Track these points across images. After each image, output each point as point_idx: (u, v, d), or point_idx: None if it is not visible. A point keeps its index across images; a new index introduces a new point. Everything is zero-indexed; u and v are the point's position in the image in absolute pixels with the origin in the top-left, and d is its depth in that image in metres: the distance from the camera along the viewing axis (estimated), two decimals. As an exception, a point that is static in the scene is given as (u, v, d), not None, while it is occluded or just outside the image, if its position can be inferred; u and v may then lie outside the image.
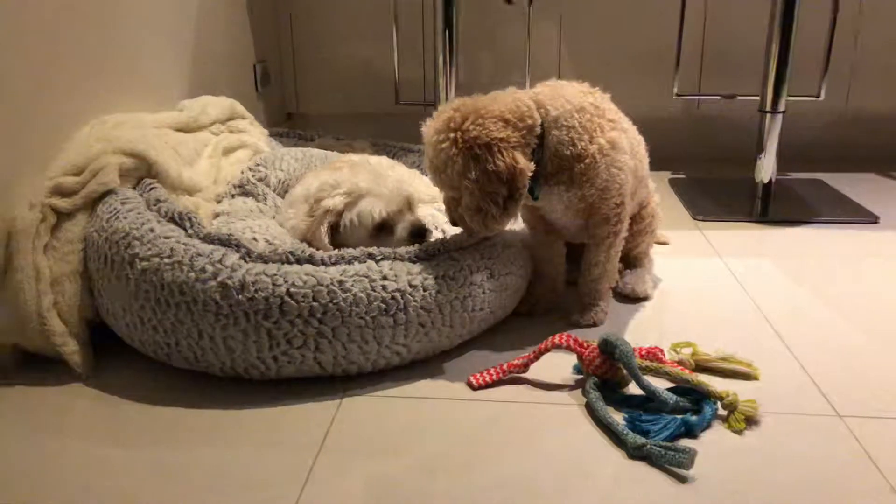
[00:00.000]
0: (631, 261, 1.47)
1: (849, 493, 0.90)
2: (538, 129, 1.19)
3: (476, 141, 1.13)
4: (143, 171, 1.32)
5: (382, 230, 1.31)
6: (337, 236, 1.33)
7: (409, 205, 1.34)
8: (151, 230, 1.15)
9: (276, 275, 1.09)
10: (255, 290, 1.08)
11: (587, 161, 1.21)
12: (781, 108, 1.93)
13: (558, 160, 1.21)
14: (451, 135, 1.14)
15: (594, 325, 1.32)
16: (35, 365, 1.20)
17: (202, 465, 0.97)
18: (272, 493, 0.92)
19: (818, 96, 2.18)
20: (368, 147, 1.99)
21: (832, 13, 2.05)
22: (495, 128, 1.14)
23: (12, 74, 1.19)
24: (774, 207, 1.96)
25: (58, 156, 1.27)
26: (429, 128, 1.19)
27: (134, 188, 1.30)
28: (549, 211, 1.29)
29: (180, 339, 1.11)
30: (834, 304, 1.40)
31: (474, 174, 1.13)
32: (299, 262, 1.13)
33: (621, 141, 1.24)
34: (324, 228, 1.31)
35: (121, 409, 1.10)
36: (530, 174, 1.16)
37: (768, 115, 1.94)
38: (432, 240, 1.27)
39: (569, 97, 1.22)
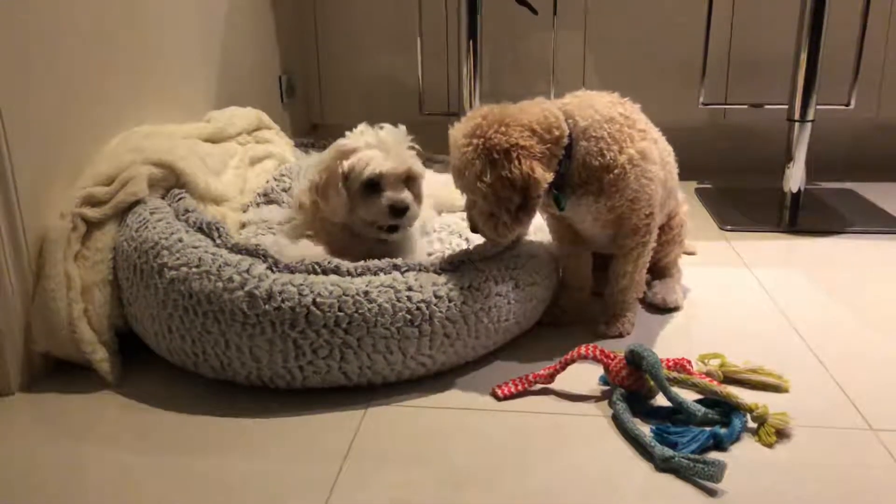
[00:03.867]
0: (659, 271, 1.46)
1: (883, 509, 0.89)
2: (566, 141, 1.18)
3: (496, 147, 1.14)
4: (171, 182, 1.34)
5: (371, 192, 1.29)
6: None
7: (408, 181, 1.32)
8: (180, 240, 1.16)
9: (302, 285, 1.10)
10: (282, 300, 1.08)
11: (617, 171, 1.20)
12: (810, 116, 1.90)
13: (587, 171, 1.21)
14: (475, 140, 1.15)
15: (621, 336, 1.31)
16: (65, 372, 1.22)
17: (228, 473, 0.98)
18: (297, 503, 0.92)
19: (848, 105, 2.15)
20: None
21: (862, 20, 2.03)
22: (520, 136, 1.14)
23: (44, 87, 1.21)
24: (803, 217, 1.94)
25: (88, 166, 1.29)
26: (456, 131, 1.20)
27: (163, 198, 1.31)
28: (578, 221, 1.29)
29: (207, 347, 1.12)
30: (865, 314, 1.38)
31: (489, 178, 1.14)
32: (325, 272, 1.14)
33: (651, 151, 1.23)
34: (340, 172, 1.30)
35: (148, 416, 1.11)
36: (546, 185, 1.15)
37: (797, 124, 1.92)
38: (459, 249, 1.27)
39: (598, 108, 1.22)
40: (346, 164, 1.30)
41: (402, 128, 1.36)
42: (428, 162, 1.96)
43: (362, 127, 1.36)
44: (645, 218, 1.25)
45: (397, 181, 1.31)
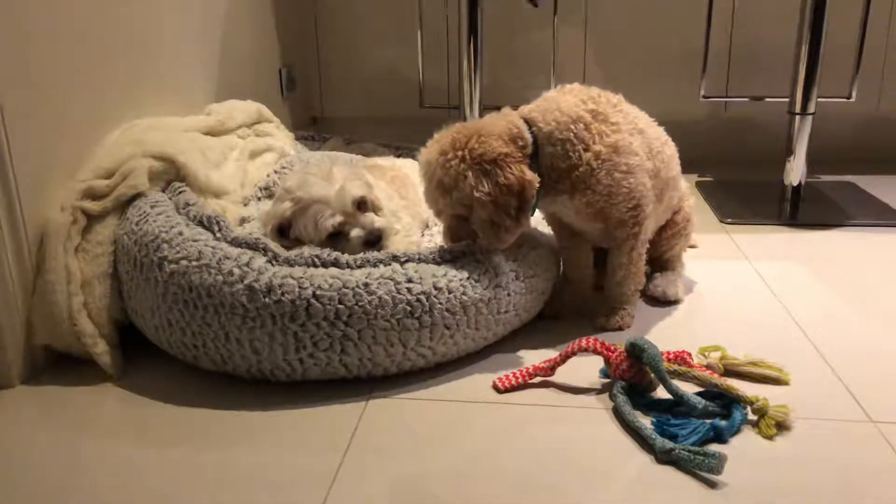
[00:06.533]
0: (663, 264, 1.46)
1: (882, 500, 0.89)
2: (530, 148, 1.20)
3: (483, 157, 1.15)
4: (172, 175, 1.33)
5: (337, 236, 1.24)
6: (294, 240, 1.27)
7: (362, 206, 1.27)
8: (180, 233, 1.16)
9: (302, 278, 1.10)
10: (282, 293, 1.08)
11: (582, 169, 1.21)
12: (811, 109, 1.90)
13: (556, 172, 1.22)
14: (459, 153, 1.16)
15: (620, 328, 1.31)
16: (65, 365, 1.22)
17: (228, 466, 0.98)
18: (298, 495, 0.92)
19: (849, 97, 2.14)
20: (376, 149, 1.98)
21: (863, 13, 2.02)
22: (498, 144, 1.16)
23: (44, 80, 1.20)
24: (804, 211, 1.94)
25: (88, 159, 1.29)
26: (429, 150, 1.20)
27: (163, 191, 1.31)
28: (565, 216, 1.30)
29: (207, 341, 1.12)
30: (865, 307, 1.38)
31: (487, 188, 1.15)
32: (325, 265, 1.14)
33: (626, 143, 1.23)
34: (271, 236, 1.25)
35: (148, 409, 1.12)
36: (537, 185, 1.17)
37: (798, 117, 1.91)
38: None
39: (564, 109, 1.22)
40: (294, 230, 1.25)
41: (333, 155, 1.29)
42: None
43: (291, 179, 1.29)
44: (629, 210, 1.25)
45: (355, 217, 1.25)
